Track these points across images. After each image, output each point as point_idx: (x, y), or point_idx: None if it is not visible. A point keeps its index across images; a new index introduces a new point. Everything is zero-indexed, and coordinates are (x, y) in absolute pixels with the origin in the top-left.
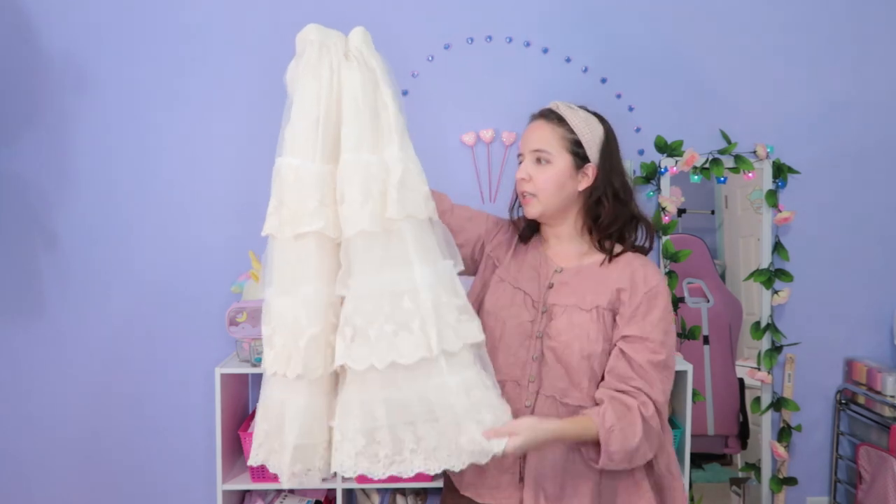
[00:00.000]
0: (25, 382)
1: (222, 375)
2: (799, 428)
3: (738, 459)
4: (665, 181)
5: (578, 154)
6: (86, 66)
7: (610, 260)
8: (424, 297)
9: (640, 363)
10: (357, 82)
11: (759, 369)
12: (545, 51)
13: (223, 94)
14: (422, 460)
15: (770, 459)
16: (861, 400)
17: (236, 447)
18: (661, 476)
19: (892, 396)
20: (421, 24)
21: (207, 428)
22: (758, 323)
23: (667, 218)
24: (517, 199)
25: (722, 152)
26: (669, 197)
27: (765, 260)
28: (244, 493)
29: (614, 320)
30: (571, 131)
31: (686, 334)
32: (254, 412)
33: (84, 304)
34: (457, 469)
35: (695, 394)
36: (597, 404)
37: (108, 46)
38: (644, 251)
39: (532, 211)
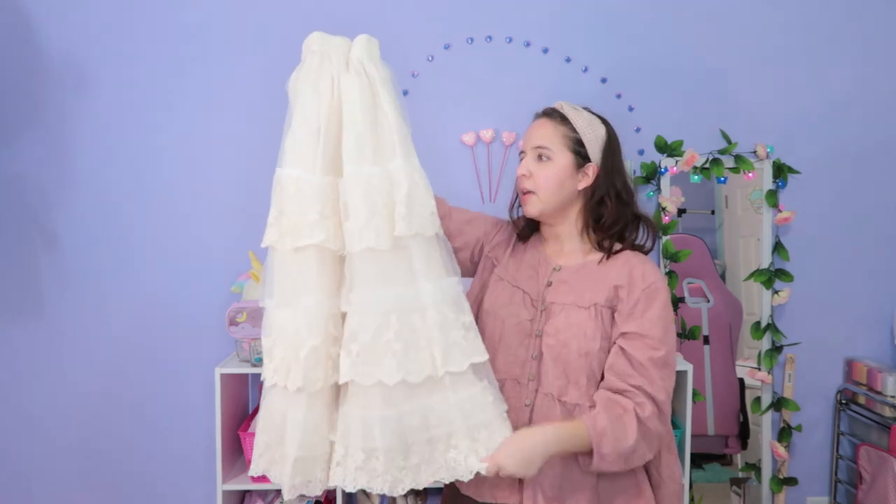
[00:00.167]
0: (25, 382)
1: (222, 375)
2: (799, 428)
3: (739, 459)
4: (665, 181)
5: (580, 153)
6: (86, 66)
7: (608, 258)
8: (430, 315)
9: (640, 360)
10: (356, 94)
11: (759, 369)
12: (545, 51)
13: (223, 95)
14: (411, 478)
15: (770, 459)
16: (861, 400)
17: (236, 447)
18: (662, 478)
19: (892, 396)
20: (421, 24)
21: (207, 428)
22: (758, 323)
23: (667, 218)
24: (517, 199)
25: (722, 152)
26: (669, 197)
27: (765, 260)
28: (244, 493)
29: (613, 318)
30: (574, 130)
31: (686, 334)
32: (254, 412)
33: (84, 304)
34: (445, 481)
35: (695, 394)
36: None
37: (108, 46)
38: (644, 250)
39: (532, 209)
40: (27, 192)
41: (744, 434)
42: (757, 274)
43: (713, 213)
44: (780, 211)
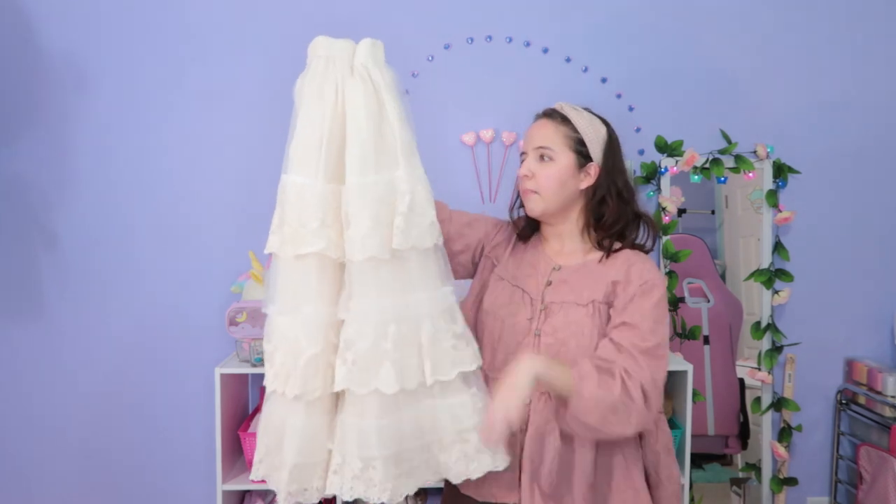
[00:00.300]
0: (25, 382)
1: (222, 375)
2: (799, 428)
3: (739, 459)
4: (665, 181)
5: (581, 153)
6: (86, 66)
7: (608, 256)
8: (425, 325)
9: (626, 347)
10: (360, 100)
11: (759, 369)
12: (545, 51)
13: (223, 95)
14: (407, 485)
15: (770, 459)
16: (861, 400)
17: (236, 447)
18: (661, 479)
19: (892, 396)
20: (421, 24)
21: (207, 428)
22: (758, 323)
23: (667, 218)
24: (518, 199)
25: (722, 152)
26: (669, 197)
27: (765, 260)
28: (244, 493)
29: (609, 314)
30: (575, 130)
31: (686, 334)
32: (254, 412)
33: (84, 305)
34: (440, 483)
35: (695, 394)
36: None
37: (108, 46)
38: (644, 249)
39: (534, 209)
40: (27, 192)
41: (744, 434)
42: (757, 274)
43: (713, 213)
44: (780, 211)
